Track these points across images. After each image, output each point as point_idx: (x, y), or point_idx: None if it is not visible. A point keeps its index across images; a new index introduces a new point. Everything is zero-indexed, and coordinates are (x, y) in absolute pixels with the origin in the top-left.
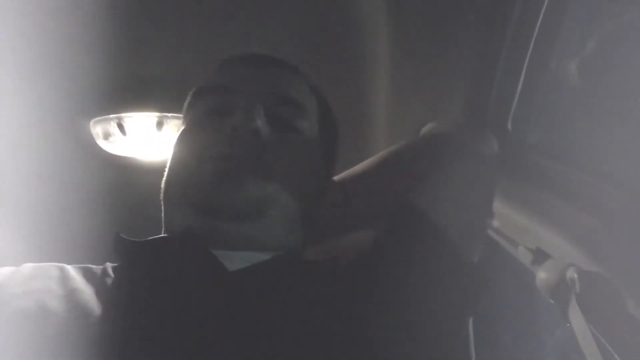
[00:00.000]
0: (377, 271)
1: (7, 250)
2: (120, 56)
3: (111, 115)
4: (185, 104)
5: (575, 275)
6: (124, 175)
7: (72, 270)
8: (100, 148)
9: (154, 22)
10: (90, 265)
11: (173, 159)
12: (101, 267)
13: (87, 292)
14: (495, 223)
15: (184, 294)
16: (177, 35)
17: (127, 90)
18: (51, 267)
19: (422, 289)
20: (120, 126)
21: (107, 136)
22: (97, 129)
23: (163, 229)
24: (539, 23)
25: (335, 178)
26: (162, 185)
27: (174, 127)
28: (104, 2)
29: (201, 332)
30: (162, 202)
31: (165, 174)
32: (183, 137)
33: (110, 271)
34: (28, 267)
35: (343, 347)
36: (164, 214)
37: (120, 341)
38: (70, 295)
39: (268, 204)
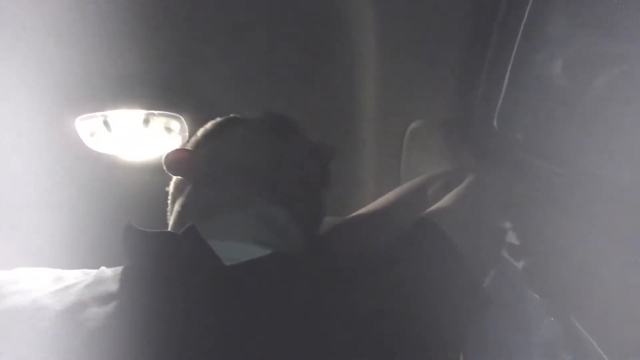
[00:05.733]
0: (387, 280)
1: None
2: (106, 53)
3: (97, 113)
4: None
5: None
6: (109, 173)
7: (66, 272)
8: (86, 145)
9: (141, 19)
10: (86, 270)
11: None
12: (96, 270)
13: (80, 289)
14: None
15: (179, 288)
16: (164, 32)
17: (113, 87)
18: (44, 269)
19: (430, 304)
20: (106, 123)
21: (93, 133)
22: (83, 126)
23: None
24: (524, 21)
25: (354, 215)
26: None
27: (160, 124)
28: (93, 0)
29: (193, 326)
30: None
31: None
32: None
33: (104, 272)
34: (20, 270)
35: (336, 351)
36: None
37: (111, 336)
38: (64, 292)
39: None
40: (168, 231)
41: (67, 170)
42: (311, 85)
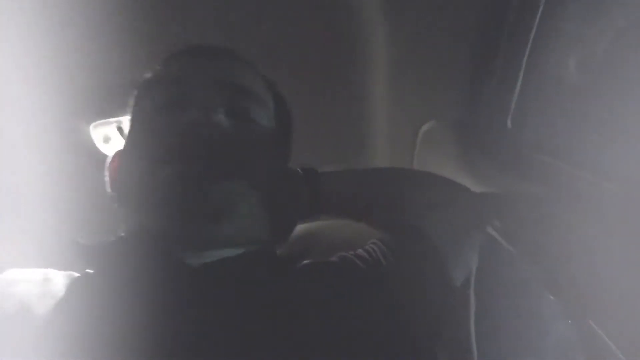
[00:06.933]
0: (367, 276)
1: (5, 252)
2: (121, 59)
3: (111, 119)
4: (132, 100)
5: None
6: None
7: (55, 274)
8: (100, 151)
9: (154, 23)
10: (73, 272)
11: (125, 158)
12: (82, 272)
13: (66, 295)
14: (495, 220)
15: (148, 294)
16: (179, 37)
17: (127, 94)
18: (34, 272)
19: (405, 304)
20: (121, 130)
21: (107, 140)
22: (97, 133)
23: (123, 228)
24: (537, 19)
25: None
26: (116, 185)
27: None
28: (105, 4)
29: (168, 330)
30: (117, 202)
31: (119, 174)
32: (133, 136)
33: (88, 276)
34: (11, 272)
35: (307, 347)
36: (122, 214)
37: (92, 342)
38: (52, 298)
39: (235, 202)
40: (122, 237)
41: (81, 176)
42: (323, 88)
